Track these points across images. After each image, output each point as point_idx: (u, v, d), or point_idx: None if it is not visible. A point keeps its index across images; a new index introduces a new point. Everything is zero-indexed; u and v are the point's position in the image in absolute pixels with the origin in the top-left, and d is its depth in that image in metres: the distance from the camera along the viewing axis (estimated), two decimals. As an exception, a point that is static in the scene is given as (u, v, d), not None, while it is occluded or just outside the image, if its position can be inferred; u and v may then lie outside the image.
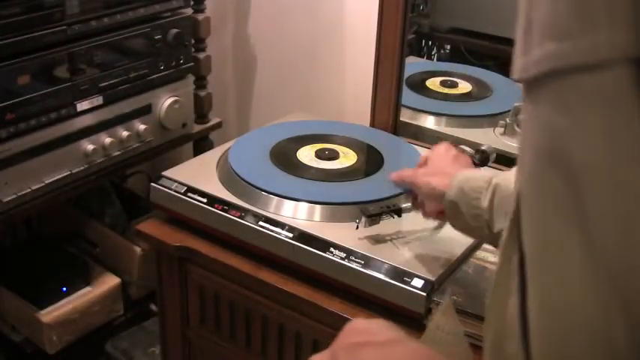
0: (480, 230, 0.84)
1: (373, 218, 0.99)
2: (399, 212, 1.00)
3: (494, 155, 1.15)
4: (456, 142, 1.24)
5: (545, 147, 0.36)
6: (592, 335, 0.35)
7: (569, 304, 0.36)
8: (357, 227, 1.01)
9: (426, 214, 0.96)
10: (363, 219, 1.00)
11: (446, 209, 0.88)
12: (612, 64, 0.33)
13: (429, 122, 1.40)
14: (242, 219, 1.07)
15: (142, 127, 1.39)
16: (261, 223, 1.06)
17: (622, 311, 0.34)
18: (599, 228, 0.34)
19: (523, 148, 0.39)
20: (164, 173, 1.17)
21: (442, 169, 0.93)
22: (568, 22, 0.34)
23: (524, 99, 0.38)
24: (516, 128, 1.31)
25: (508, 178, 0.82)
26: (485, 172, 0.87)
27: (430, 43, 1.54)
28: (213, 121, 1.61)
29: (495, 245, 0.89)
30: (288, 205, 1.08)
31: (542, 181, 0.37)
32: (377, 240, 1.01)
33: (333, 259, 0.99)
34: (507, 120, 1.31)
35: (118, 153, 1.37)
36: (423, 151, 1.27)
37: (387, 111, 1.35)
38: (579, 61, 0.34)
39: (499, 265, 0.47)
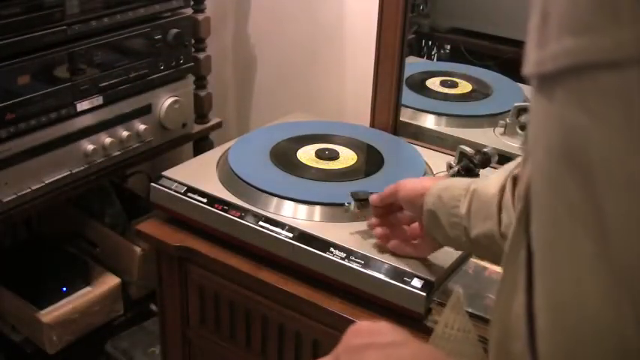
0: (458, 239, 0.84)
1: (362, 202, 1.02)
2: None
3: (495, 157, 1.15)
4: (456, 142, 1.24)
5: (559, 144, 0.35)
6: (602, 336, 0.34)
7: (579, 303, 0.35)
8: (346, 210, 1.04)
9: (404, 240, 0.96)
10: (353, 203, 1.03)
11: (424, 219, 0.87)
12: (636, 62, 0.32)
13: (429, 122, 1.40)
14: (242, 219, 1.07)
15: (142, 127, 1.39)
16: (261, 223, 1.06)
17: (634, 311, 0.33)
18: (614, 228, 0.33)
19: (534, 144, 0.38)
20: (164, 173, 1.17)
21: (423, 177, 0.96)
22: (589, 16, 0.33)
23: (536, 94, 0.37)
24: (517, 129, 1.31)
25: (487, 184, 0.82)
26: (464, 180, 0.86)
27: (430, 43, 1.54)
28: (213, 121, 1.61)
29: (472, 253, 0.88)
30: (288, 205, 1.08)
31: (554, 178, 0.36)
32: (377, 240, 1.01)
33: (333, 259, 0.99)
34: (507, 120, 1.31)
35: (118, 153, 1.37)
36: (423, 152, 1.27)
37: (387, 111, 1.35)
38: (601, 57, 0.32)
39: (505, 261, 0.47)
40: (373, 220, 0.99)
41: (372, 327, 0.58)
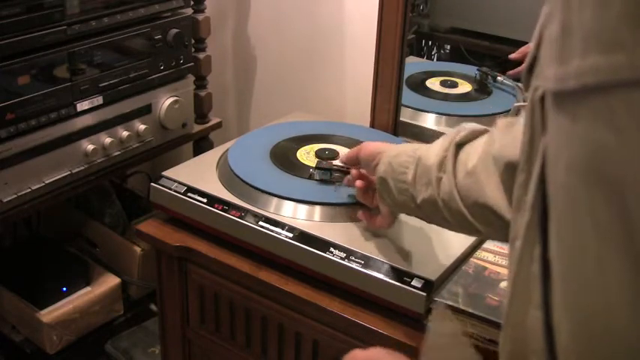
0: (407, 204, 0.87)
1: (324, 171, 1.12)
2: (349, 174, 1.07)
3: None
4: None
5: (585, 163, 0.34)
6: (630, 351, 0.33)
7: (607, 319, 0.34)
8: (310, 177, 1.14)
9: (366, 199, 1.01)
10: (316, 171, 1.14)
11: (377, 184, 0.91)
12: None
13: (429, 122, 1.40)
14: (242, 219, 1.07)
15: (142, 127, 1.39)
16: (261, 223, 1.06)
17: None
18: None
19: (554, 162, 0.37)
20: (164, 173, 1.17)
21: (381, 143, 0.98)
22: (620, 32, 0.31)
23: (554, 111, 0.35)
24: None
25: (429, 151, 0.84)
26: (412, 146, 0.88)
27: (430, 43, 1.54)
28: (213, 121, 1.61)
29: (421, 217, 0.90)
30: (288, 205, 1.08)
31: (580, 197, 0.35)
32: (377, 239, 1.01)
33: (333, 259, 0.99)
34: (507, 120, 1.31)
35: (118, 153, 1.37)
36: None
37: (387, 111, 1.35)
38: (634, 75, 0.31)
39: (514, 274, 0.45)
40: (354, 172, 1.01)
41: (367, 354, 0.58)
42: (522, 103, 1.32)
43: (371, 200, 1.00)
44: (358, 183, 0.99)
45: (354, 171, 1.01)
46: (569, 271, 0.37)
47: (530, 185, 0.41)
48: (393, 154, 0.89)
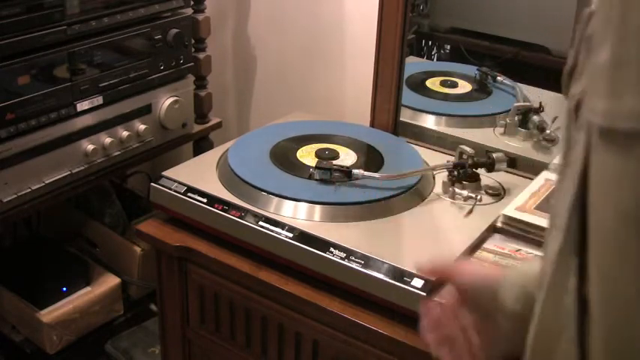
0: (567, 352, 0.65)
1: (324, 171, 1.12)
2: (349, 174, 1.11)
3: (503, 165, 1.14)
4: (456, 142, 1.24)
5: (636, 210, 0.32)
6: None
7: None
8: (310, 177, 1.13)
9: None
10: (316, 171, 1.13)
11: (505, 323, 0.63)
12: None
13: (429, 122, 1.40)
14: (242, 219, 1.07)
15: (142, 127, 1.39)
16: (261, 223, 1.06)
17: None
18: None
19: (599, 199, 0.35)
20: (164, 173, 1.17)
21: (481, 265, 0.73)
22: None
23: (604, 146, 0.33)
24: (517, 129, 1.31)
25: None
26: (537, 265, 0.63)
27: (430, 43, 1.54)
28: (213, 121, 1.61)
29: None
30: (288, 205, 1.08)
31: (631, 245, 0.33)
32: (377, 239, 1.01)
33: (333, 259, 0.99)
34: (507, 120, 1.31)
35: (118, 153, 1.37)
36: (423, 152, 1.27)
37: (387, 111, 1.35)
38: None
39: (543, 301, 0.43)
40: (428, 328, 0.72)
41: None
42: (522, 103, 1.32)
43: (455, 355, 0.70)
44: (432, 341, 0.71)
45: (427, 322, 0.73)
46: (611, 317, 0.35)
47: (564, 205, 0.39)
48: (522, 279, 0.63)
